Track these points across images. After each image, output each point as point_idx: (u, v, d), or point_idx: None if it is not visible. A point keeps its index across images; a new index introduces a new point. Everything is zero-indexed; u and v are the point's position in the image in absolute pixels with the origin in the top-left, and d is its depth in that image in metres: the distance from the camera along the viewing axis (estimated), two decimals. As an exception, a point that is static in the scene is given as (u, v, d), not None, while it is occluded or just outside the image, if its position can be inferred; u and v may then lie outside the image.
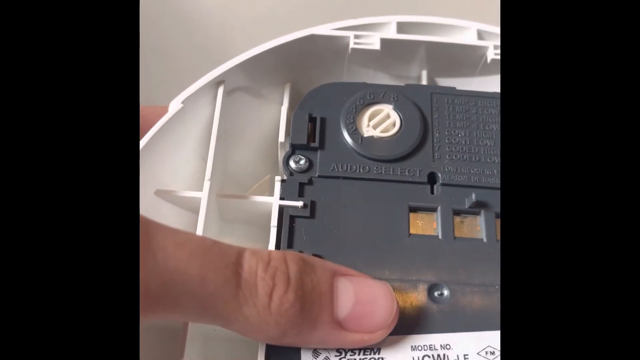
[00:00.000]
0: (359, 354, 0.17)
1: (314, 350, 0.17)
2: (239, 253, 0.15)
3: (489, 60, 0.22)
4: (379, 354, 0.17)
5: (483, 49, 0.22)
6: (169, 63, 0.35)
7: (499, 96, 0.22)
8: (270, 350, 0.17)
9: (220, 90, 0.20)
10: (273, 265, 0.15)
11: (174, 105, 0.19)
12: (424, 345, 0.17)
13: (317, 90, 0.21)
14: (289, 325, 0.15)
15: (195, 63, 0.35)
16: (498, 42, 0.22)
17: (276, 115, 0.22)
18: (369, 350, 0.17)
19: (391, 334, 0.17)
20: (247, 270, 0.15)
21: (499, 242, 0.19)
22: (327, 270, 0.16)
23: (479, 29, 0.22)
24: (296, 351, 0.17)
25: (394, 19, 0.22)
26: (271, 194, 0.19)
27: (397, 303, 0.17)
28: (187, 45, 0.36)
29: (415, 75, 0.24)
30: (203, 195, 0.19)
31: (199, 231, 0.19)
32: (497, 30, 0.22)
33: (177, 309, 0.14)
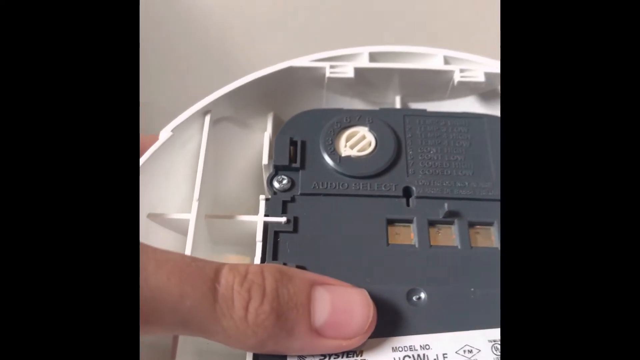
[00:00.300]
0: (342, 357, 0.17)
1: (299, 355, 0.17)
2: (217, 269, 0.16)
3: (455, 82, 0.24)
4: (361, 356, 0.18)
5: (450, 73, 0.24)
6: (169, 63, 0.36)
7: (467, 116, 0.23)
8: (257, 357, 0.17)
9: (207, 119, 0.22)
10: (249, 279, 0.16)
11: (164, 134, 0.21)
12: (404, 346, 0.18)
13: (297, 116, 0.23)
14: (266, 335, 0.16)
15: (195, 63, 0.35)
16: (463, 66, 0.23)
17: (262, 142, 0.24)
18: (352, 353, 0.18)
19: (372, 336, 0.18)
20: (224, 285, 0.16)
21: (473, 248, 0.20)
22: (305, 280, 0.17)
23: (445, 55, 0.24)
24: (282, 357, 0.17)
25: (367, 50, 0.24)
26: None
27: (374, 309, 0.18)
28: (187, 45, 0.36)
29: (390, 101, 0.25)
30: (191, 217, 0.20)
31: (188, 252, 0.20)
32: (461, 55, 0.24)
33: (159, 323, 0.15)
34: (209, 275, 0.16)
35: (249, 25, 0.36)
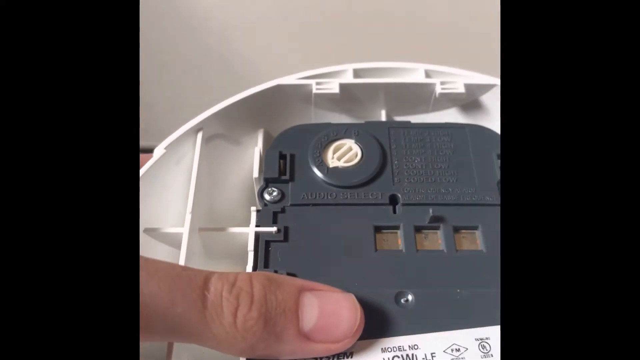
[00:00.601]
0: (332, 359, 0.18)
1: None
2: (207, 277, 0.17)
3: (437, 94, 0.25)
4: (351, 357, 0.18)
5: (431, 86, 0.25)
6: (170, 64, 0.36)
7: (450, 126, 0.24)
8: (251, 363, 0.18)
9: (199, 136, 0.23)
10: (238, 286, 0.17)
11: (158, 151, 0.22)
12: (393, 347, 0.18)
13: (286, 131, 0.24)
14: (255, 340, 0.17)
15: (195, 63, 0.36)
16: (443, 79, 0.25)
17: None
18: (342, 355, 0.18)
19: (362, 338, 0.18)
20: (213, 292, 0.17)
21: (459, 251, 0.21)
22: (293, 286, 0.18)
23: (426, 69, 0.25)
24: (275, 362, 0.18)
25: (351, 67, 0.25)
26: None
27: (362, 313, 0.18)
28: (188, 45, 0.37)
29: (377, 116, 0.26)
30: (184, 230, 0.21)
31: (181, 264, 0.20)
32: (441, 68, 0.25)
33: (150, 329, 0.16)
34: (198, 283, 0.17)
35: (248, 25, 0.36)
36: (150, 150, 0.22)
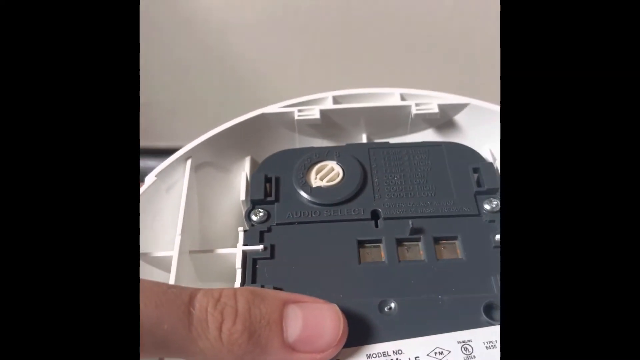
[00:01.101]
0: (319, 366, 0.18)
1: (279, 369, 0.18)
2: (192, 294, 0.17)
3: (413, 115, 0.26)
4: (338, 364, 0.19)
5: (407, 108, 0.26)
6: (170, 64, 0.37)
7: (427, 144, 0.26)
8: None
9: (188, 164, 0.24)
10: (222, 302, 0.18)
11: (149, 179, 0.23)
12: (378, 353, 0.19)
13: (271, 156, 0.25)
14: (241, 352, 0.17)
15: (195, 63, 0.36)
16: (418, 101, 0.26)
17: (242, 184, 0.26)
18: (329, 362, 0.19)
19: (348, 345, 0.19)
20: (198, 308, 0.17)
21: (439, 260, 0.21)
22: (277, 299, 0.18)
23: (401, 92, 0.26)
24: (263, 372, 0.18)
25: (330, 94, 0.26)
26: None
27: (345, 322, 0.19)
28: (187, 46, 0.38)
29: (358, 139, 0.28)
30: (174, 253, 0.22)
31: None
32: (415, 92, 0.26)
33: (139, 345, 0.17)
34: (183, 300, 0.17)
35: (247, 25, 0.38)
36: (149, 150, 0.22)
